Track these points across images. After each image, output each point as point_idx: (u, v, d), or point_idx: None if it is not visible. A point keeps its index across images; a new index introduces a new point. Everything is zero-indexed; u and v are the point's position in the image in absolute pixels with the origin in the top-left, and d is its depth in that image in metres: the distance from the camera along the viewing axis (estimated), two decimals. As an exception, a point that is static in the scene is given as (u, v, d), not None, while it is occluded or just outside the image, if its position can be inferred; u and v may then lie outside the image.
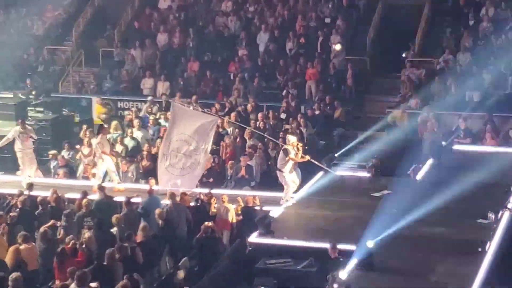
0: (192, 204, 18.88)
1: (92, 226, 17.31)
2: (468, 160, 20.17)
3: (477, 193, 17.63)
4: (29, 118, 26.23)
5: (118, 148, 23.00)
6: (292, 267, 15.61)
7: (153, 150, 22.62)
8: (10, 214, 17.97)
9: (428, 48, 27.98)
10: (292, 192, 18.74)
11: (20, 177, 21.48)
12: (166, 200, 18.72)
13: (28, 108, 27.25)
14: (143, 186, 20.49)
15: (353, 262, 14.92)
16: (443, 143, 21.66)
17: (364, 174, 20.61)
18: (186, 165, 20.13)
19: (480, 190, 17.72)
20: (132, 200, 18.75)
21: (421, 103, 24.81)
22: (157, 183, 20.10)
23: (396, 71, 27.04)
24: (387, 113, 24.84)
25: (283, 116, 24.93)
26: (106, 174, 21.85)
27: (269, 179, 21.59)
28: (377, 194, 18.74)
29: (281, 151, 18.74)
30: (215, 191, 19.35)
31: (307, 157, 18.81)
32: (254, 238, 16.72)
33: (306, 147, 20.39)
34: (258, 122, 23.79)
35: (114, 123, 24.82)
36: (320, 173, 20.37)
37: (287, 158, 18.46)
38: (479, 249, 15.50)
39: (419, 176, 19.56)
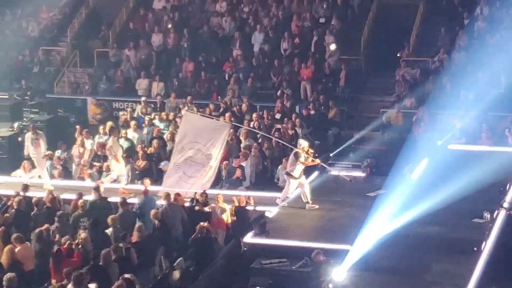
0: (187, 204, 18.86)
1: (87, 227, 17.29)
2: (463, 159, 20.16)
3: (472, 193, 17.62)
4: (24, 119, 26.25)
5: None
6: (287, 267, 15.61)
7: (149, 150, 22.63)
8: (5, 215, 17.96)
9: (423, 48, 28.01)
10: (308, 193, 18.44)
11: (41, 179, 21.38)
12: (161, 200, 18.71)
13: (23, 109, 27.27)
14: (138, 186, 20.47)
15: (348, 262, 14.93)
16: (438, 142, 21.68)
17: (359, 173, 20.62)
18: (198, 173, 20.02)
19: (475, 189, 17.72)
20: (128, 200, 18.73)
21: (416, 102, 24.84)
22: (153, 183, 20.11)
23: (391, 70, 27.05)
24: (382, 112, 24.87)
25: (278, 116, 24.94)
26: (100, 174, 21.88)
27: (265, 180, 21.62)
28: (372, 194, 18.74)
29: (292, 155, 18.59)
30: (210, 191, 19.34)
31: (317, 161, 18.75)
32: (249, 238, 16.73)
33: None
34: (252, 123, 23.79)
35: (108, 124, 24.77)
36: (315, 173, 20.39)
37: (297, 162, 18.32)
38: (475, 249, 15.52)
39: (414, 176, 19.57)
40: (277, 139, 21.40)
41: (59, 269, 15.07)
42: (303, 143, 18.65)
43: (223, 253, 17.05)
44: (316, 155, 19.03)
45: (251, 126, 23.46)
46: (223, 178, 21.39)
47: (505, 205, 17.12)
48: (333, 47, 27.60)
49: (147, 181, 20.15)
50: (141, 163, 21.95)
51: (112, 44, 31.08)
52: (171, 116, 25.49)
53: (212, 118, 21.80)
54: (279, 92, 26.74)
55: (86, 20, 32.99)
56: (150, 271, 16.47)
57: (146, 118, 25.32)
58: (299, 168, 18.31)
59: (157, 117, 25.52)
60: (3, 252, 15.72)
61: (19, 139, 25.00)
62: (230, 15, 30.46)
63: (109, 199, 19.14)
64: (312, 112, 25.02)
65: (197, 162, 20.00)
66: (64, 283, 14.15)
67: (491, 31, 26.36)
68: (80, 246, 15.98)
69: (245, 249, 16.66)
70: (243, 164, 21.31)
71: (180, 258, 16.63)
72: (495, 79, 24.63)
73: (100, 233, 16.96)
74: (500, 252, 15.91)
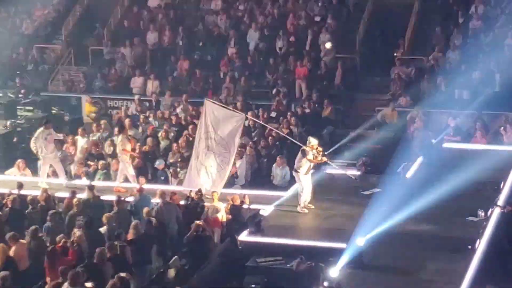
0: (182, 202, 18.86)
1: (82, 225, 17.28)
2: (458, 158, 20.19)
3: (467, 191, 17.66)
4: (19, 117, 26.21)
5: (107, 148, 22.97)
6: (283, 265, 15.61)
7: (143, 149, 22.62)
8: (0, 213, 17.95)
9: (418, 46, 28.02)
10: (307, 198, 18.07)
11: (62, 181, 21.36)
12: (156, 198, 18.72)
13: (18, 107, 27.25)
14: (134, 184, 20.46)
15: (343, 260, 14.94)
16: (433, 141, 21.70)
17: (354, 172, 20.62)
18: (215, 163, 19.85)
19: (470, 187, 17.75)
20: (123, 198, 18.73)
21: (411, 101, 24.87)
22: (148, 182, 20.11)
23: (386, 69, 27.06)
24: (377, 111, 24.88)
25: (273, 114, 24.95)
26: (96, 173, 21.85)
27: (260, 178, 21.63)
28: (367, 192, 18.75)
29: (299, 152, 18.16)
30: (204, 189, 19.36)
31: (324, 159, 18.27)
32: (244, 236, 16.72)
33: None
34: (247, 121, 23.76)
35: (102, 122, 24.78)
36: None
37: (303, 159, 17.93)
38: (469, 247, 15.54)
39: (409, 174, 19.59)
40: (287, 136, 20.97)
41: (54, 267, 15.05)
42: (313, 141, 18.12)
43: (218, 252, 17.05)
44: (325, 153, 18.74)
45: (247, 124, 23.42)
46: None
47: (499, 203, 17.13)
48: (328, 45, 27.61)
49: (142, 179, 20.14)
50: (136, 161, 21.92)
51: (107, 42, 31.03)
52: (166, 114, 25.50)
53: (229, 109, 21.14)
54: (274, 91, 26.73)
55: (80, 18, 32.94)
56: (146, 269, 16.47)
57: (141, 116, 25.31)
58: (306, 166, 17.94)
59: (151, 115, 25.52)
60: (-3, 251, 15.72)
61: (14, 139, 25.00)
62: (226, 13, 30.44)
63: (103, 197, 19.17)
64: (307, 110, 25.03)
65: (215, 152, 19.82)
66: (59, 281, 14.14)
67: (485, 30, 26.41)
68: (75, 245, 15.97)
69: (240, 247, 16.65)
70: (238, 162, 21.28)
71: (175, 257, 16.63)
72: (490, 78, 24.67)
73: (94, 231, 16.95)
74: (494, 250, 15.95)
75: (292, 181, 20.28)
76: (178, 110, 25.90)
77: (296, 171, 18.01)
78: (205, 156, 19.95)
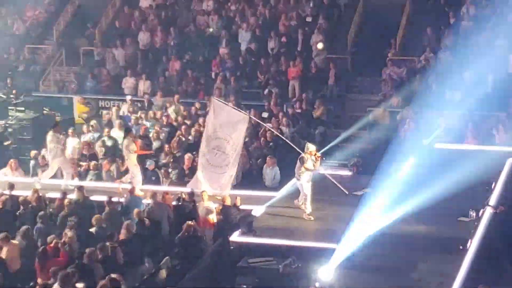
0: (174, 203, 18.84)
1: (73, 226, 17.25)
2: (449, 158, 20.22)
3: (458, 191, 17.66)
4: (10, 118, 26.13)
5: (99, 149, 22.93)
6: (274, 265, 15.61)
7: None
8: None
9: (409, 47, 28.04)
10: (308, 206, 17.81)
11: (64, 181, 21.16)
12: (148, 199, 18.70)
13: (9, 107, 27.13)
14: (125, 185, 20.43)
15: (334, 261, 14.94)
16: (424, 141, 21.72)
17: (346, 172, 20.64)
18: (223, 163, 19.71)
19: (461, 188, 17.76)
20: (114, 199, 18.70)
21: (402, 101, 24.89)
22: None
23: (377, 69, 27.07)
24: (368, 111, 24.88)
25: (265, 115, 24.93)
26: (87, 173, 21.80)
27: (251, 178, 21.61)
28: (358, 193, 18.76)
29: (298, 160, 17.83)
30: (196, 190, 19.33)
31: (321, 168, 17.99)
32: (236, 237, 16.72)
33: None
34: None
35: (92, 122, 24.71)
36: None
37: (302, 167, 17.66)
38: (461, 247, 15.57)
39: (400, 175, 19.60)
40: (283, 138, 20.79)
41: (45, 268, 15.03)
42: (311, 147, 17.85)
43: (210, 252, 17.03)
44: (324, 159, 18.46)
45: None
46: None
47: (491, 203, 17.16)
48: (320, 46, 27.62)
49: (124, 179, 20.11)
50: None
51: (98, 42, 30.98)
52: (158, 115, 25.47)
53: (235, 108, 20.87)
54: (266, 91, 26.72)
55: (72, 18, 32.87)
56: (138, 270, 16.44)
57: (133, 117, 25.27)
58: (307, 173, 17.63)
59: (143, 116, 25.48)
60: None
61: (6, 143, 24.92)
62: (217, 13, 30.42)
63: (95, 198, 19.13)
64: (299, 110, 25.03)
65: (224, 152, 19.68)
66: (50, 282, 14.11)
67: (476, 30, 26.42)
68: (66, 246, 15.94)
69: (231, 248, 16.64)
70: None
71: (167, 257, 16.62)
72: (482, 78, 24.68)
73: (85, 232, 16.92)
74: (487, 250, 15.97)
75: (283, 181, 20.34)
76: (170, 110, 25.87)
77: (298, 180, 17.76)
78: (214, 155, 19.77)
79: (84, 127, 24.22)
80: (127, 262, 15.95)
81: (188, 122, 24.66)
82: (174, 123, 24.82)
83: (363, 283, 14.77)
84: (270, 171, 21.21)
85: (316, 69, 27.22)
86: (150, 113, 25.69)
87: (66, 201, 18.24)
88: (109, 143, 23.08)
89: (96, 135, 23.96)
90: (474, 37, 26.20)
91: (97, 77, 29.60)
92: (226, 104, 20.59)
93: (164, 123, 24.71)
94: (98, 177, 21.66)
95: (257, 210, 18.27)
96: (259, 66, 27.99)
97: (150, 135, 23.76)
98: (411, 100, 24.54)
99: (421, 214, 16.84)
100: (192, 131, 23.64)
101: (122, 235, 16.62)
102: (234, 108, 20.59)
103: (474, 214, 17.01)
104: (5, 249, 15.78)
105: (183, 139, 23.28)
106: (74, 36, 31.99)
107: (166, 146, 22.87)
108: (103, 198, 18.89)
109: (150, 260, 17.00)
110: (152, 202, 18.31)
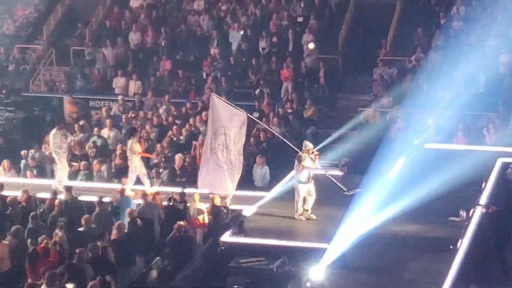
0: (164, 203, 18.81)
1: (63, 226, 17.21)
2: (440, 158, 20.25)
3: (448, 191, 17.69)
4: (0, 117, 26.06)
5: (89, 150, 22.86)
6: (266, 266, 15.59)
7: (125, 149, 22.52)
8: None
9: (400, 47, 28.09)
10: (311, 204, 17.51)
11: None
12: (138, 199, 18.67)
13: (-1, 107, 27.06)
14: (115, 185, 20.39)
15: (326, 261, 14.94)
16: (415, 141, 21.74)
17: (337, 172, 20.63)
18: (228, 160, 19.45)
19: (451, 188, 17.79)
20: (104, 199, 18.66)
21: (393, 101, 24.91)
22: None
23: (368, 69, 27.09)
24: (359, 111, 24.90)
25: (255, 115, 24.91)
26: (78, 173, 21.75)
27: (241, 178, 21.55)
28: (349, 193, 18.75)
29: (295, 159, 17.50)
30: (187, 190, 19.30)
31: (319, 167, 17.66)
32: (227, 237, 16.69)
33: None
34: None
35: (81, 123, 24.63)
36: (293, 172, 20.37)
37: (300, 166, 17.33)
38: (451, 247, 15.58)
39: (391, 175, 19.62)
40: (285, 141, 20.55)
41: (35, 269, 14.98)
42: (309, 145, 17.57)
43: (201, 252, 17.02)
44: (322, 155, 18.18)
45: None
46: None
47: (481, 203, 17.18)
48: (311, 46, 27.63)
49: (124, 180, 20.07)
50: (118, 161, 21.85)
51: (89, 42, 30.92)
52: (148, 115, 25.43)
53: (232, 106, 20.37)
54: (257, 91, 26.71)
55: (62, 18, 32.82)
56: (129, 270, 16.41)
57: (123, 116, 25.23)
58: (305, 173, 17.32)
59: (134, 115, 25.43)
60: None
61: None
62: (208, 13, 30.40)
63: (86, 199, 19.10)
64: (290, 110, 25.03)
65: (228, 149, 19.45)
66: (40, 283, 14.08)
67: (467, 30, 26.48)
68: (57, 246, 15.90)
69: (222, 248, 16.62)
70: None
71: (158, 257, 16.60)
72: (473, 78, 24.72)
73: (75, 232, 16.89)
74: (476, 250, 16.01)
75: (274, 181, 20.32)
76: (161, 110, 25.83)
77: (299, 182, 17.37)
78: (221, 154, 19.53)
79: (76, 127, 24.13)
80: (119, 262, 15.91)
81: (178, 122, 24.62)
82: (164, 123, 24.78)
83: (354, 283, 14.77)
84: (260, 171, 21.20)
85: (306, 69, 27.21)
86: (141, 113, 25.63)
87: (56, 201, 18.19)
88: (99, 143, 23.01)
89: (86, 135, 23.86)
90: (464, 37, 26.26)
91: (87, 77, 29.54)
92: (224, 101, 20.31)
93: (154, 123, 24.67)
94: (88, 177, 21.60)
95: (248, 210, 18.24)
96: (250, 66, 27.97)
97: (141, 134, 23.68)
98: (402, 100, 24.56)
99: (412, 214, 16.84)
100: (183, 131, 23.61)
101: (114, 235, 16.60)
102: (232, 106, 20.25)
103: (465, 214, 17.03)
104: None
105: (174, 139, 23.25)
106: (64, 35, 31.93)
107: (158, 146, 22.82)
108: (93, 198, 18.85)
109: (142, 259, 16.99)
110: (142, 203, 18.27)
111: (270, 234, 16.72)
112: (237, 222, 17.00)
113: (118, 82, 28.63)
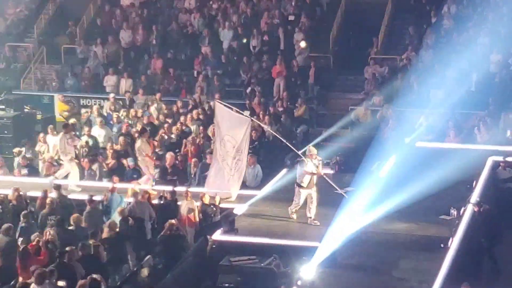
0: (155, 201, 18.79)
1: (54, 224, 17.17)
2: (431, 157, 20.29)
3: (439, 190, 17.75)
4: (-10, 116, 25.98)
5: (81, 149, 22.80)
6: (256, 264, 15.59)
7: (116, 147, 22.49)
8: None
9: (391, 45, 28.15)
10: (313, 211, 17.08)
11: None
12: (129, 198, 18.64)
13: (-11, 105, 26.96)
14: (107, 184, 20.35)
15: (316, 259, 14.95)
16: (406, 140, 21.78)
17: (328, 171, 20.61)
18: (233, 165, 19.20)
19: (442, 186, 17.84)
20: (95, 198, 18.62)
21: (384, 100, 24.94)
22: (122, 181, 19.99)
23: (359, 68, 27.13)
24: (350, 110, 24.92)
25: (247, 113, 24.87)
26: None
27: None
28: (340, 191, 18.75)
29: (298, 164, 17.23)
30: (178, 188, 19.28)
31: (322, 173, 17.31)
32: (218, 235, 16.68)
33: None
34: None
35: (71, 121, 24.57)
36: (284, 171, 20.39)
37: (303, 171, 17.00)
38: (442, 245, 15.61)
39: (382, 173, 19.64)
40: (283, 140, 20.42)
41: (26, 267, 14.95)
42: (313, 150, 17.26)
43: (192, 251, 17.00)
44: (321, 160, 17.94)
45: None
46: (192, 175, 21.31)
47: (475, 203, 17.20)
48: (303, 44, 27.64)
49: (115, 178, 20.03)
50: (110, 161, 21.80)
51: (80, 40, 30.87)
52: (139, 113, 25.37)
53: (237, 111, 20.05)
54: (249, 90, 26.70)
55: (53, 16, 32.77)
56: (121, 268, 16.39)
57: (114, 115, 25.17)
58: (307, 178, 17.01)
59: (125, 114, 25.38)
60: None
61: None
62: (199, 12, 30.38)
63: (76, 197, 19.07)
64: (281, 109, 25.02)
65: (232, 156, 19.22)
66: (30, 281, 14.06)
67: (458, 29, 26.54)
68: (49, 244, 15.87)
69: (213, 246, 16.61)
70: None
71: (149, 256, 16.57)
72: (464, 77, 24.76)
73: (66, 231, 16.86)
74: (467, 248, 16.04)
75: (265, 180, 20.31)
76: (152, 109, 25.79)
77: (299, 186, 17.09)
78: (228, 160, 19.20)
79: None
80: (110, 261, 15.89)
81: (169, 120, 24.58)
82: (155, 122, 24.74)
83: (345, 281, 14.79)
84: (252, 170, 21.13)
85: (298, 67, 27.22)
86: (132, 111, 25.58)
87: (48, 199, 18.15)
88: (90, 142, 22.95)
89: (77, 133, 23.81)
90: (455, 36, 26.32)
91: (78, 75, 29.47)
92: (227, 106, 20.07)
93: (145, 121, 24.60)
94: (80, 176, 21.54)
95: (239, 209, 18.23)
96: (242, 64, 27.96)
97: (132, 132, 23.63)
98: (393, 98, 24.60)
99: (402, 212, 16.87)
100: (174, 129, 23.57)
101: (105, 233, 16.58)
102: (236, 111, 19.95)
103: (455, 213, 17.06)
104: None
105: (166, 137, 23.21)
106: (55, 34, 31.87)
107: (149, 144, 22.76)
108: (84, 196, 18.81)
109: (133, 257, 16.97)
110: (133, 201, 18.24)
111: (261, 232, 16.72)
112: (228, 221, 16.98)
113: (109, 81, 28.59)
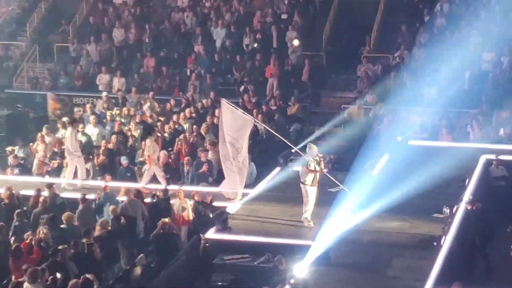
0: (148, 200, 18.77)
1: (45, 223, 17.14)
2: (424, 155, 20.31)
3: (432, 188, 17.77)
4: (-17, 115, 25.95)
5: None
6: (250, 263, 15.59)
7: (109, 146, 22.46)
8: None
9: (384, 44, 28.14)
10: (309, 212, 17.05)
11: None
12: (122, 196, 18.62)
13: (-18, 104, 26.94)
14: (99, 182, 20.32)
15: (310, 258, 14.96)
16: (399, 138, 21.79)
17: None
18: (236, 165, 19.06)
19: (435, 184, 17.87)
20: (87, 196, 18.60)
21: (377, 98, 24.95)
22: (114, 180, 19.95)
23: (352, 66, 27.13)
24: (343, 108, 24.92)
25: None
26: (60, 170, 21.64)
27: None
28: (333, 190, 18.76)
29: (294, 162, 17.42)
30: (171, 187, 19.27)
31: (324, 170, 17.38)
32: (211, 234, 16.68)
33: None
34: (215, 118, 23.67)
35: (63, 119, 24.50)
36: (277, 169, 20.39)
37: (303, 169, 16.95)
38: (435, 243, 15.65)
39: (375, 172, 19.66)
40: (274, 133, 20.24)
41: (19, 266, 14.93)
42: (314, 147, 17.27)
43: (185, 249, 16.99)
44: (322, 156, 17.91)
45: (213, 122, 23.26)
46: (185, 174, 21.30)
47: (468, 201, 17.23)
48: (296, 43, 27.64)
49: (108, 177, 20.00)
50: (102, 158, 21.77)
51: (73, 39, 30.81)
52: (132, 112, 25.34)
53: (241, 111, 19.82)
54: (242, 88, 26.69)
55: (45, 14, 32.70)
56: (115, 267, 16.37)
57: (107, 113, 25.13)
58: (310, 176, 16.94)
59: (118, 112, 25.34)
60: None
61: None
62: (192, 10, 30.35)
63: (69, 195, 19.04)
64: (274, 108, 25.02)
65: (233, 155, 19.06)
66: (22, 280, 14.04)
67: (450, 27, 26.55)
68: (42, 243, 15.85)
69: (207, 245, 16.61)
70: (210, 158, 21.08)
71: (142, 255, 16.56)
72: (457, 76, 24.78)
73: (57, 229, 16.83)
74: (459, 246, 16.07)
75: (258, 178, 20.31)
76: (145, 107, 25.76)
77: (303, 184, 17.01)
78: (231, 160, 19.05)
79: (59, 124, 24.01)
80: (102, 259, 15.86)
81: (162, 119, 24.56)
82: (149, 120, 24.70)
83: (338, 279, 14.79)
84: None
85: (291, 66, 27.22)
86: (124, 109, 25.54)
87: (41, 198, 18.13)
88: (82, 139, 22.89)
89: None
90: (448, 34, 26.33)
91: (71, 73, 29.42)
92: (233, 106, 19.95)
93: (137, 120, 24.55)
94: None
95: (232, 207, 18.24)
96: (235, 63, 27.95)
97: (125, 130, 23.59)
98: (386, 97, 24.59)
99: (395, 210, 16.89)
100: (167, 128, 23.54)
101: (97, 232, 16.56)
102: (241, 112, 19.75)
103: (448, 211, 17.10)
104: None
105: (159, 135, 23.15)
106: (48, 32, 31.82)
107: (143, 143, 22.70)
108: (76, 195, 18.78)
109: (126, 255, 16.95)
110: (125, 200, 18.22)
111: (255, 231, 16.73)
112: (221, 219, 16.99)
113: (102, 79, 28.54)
